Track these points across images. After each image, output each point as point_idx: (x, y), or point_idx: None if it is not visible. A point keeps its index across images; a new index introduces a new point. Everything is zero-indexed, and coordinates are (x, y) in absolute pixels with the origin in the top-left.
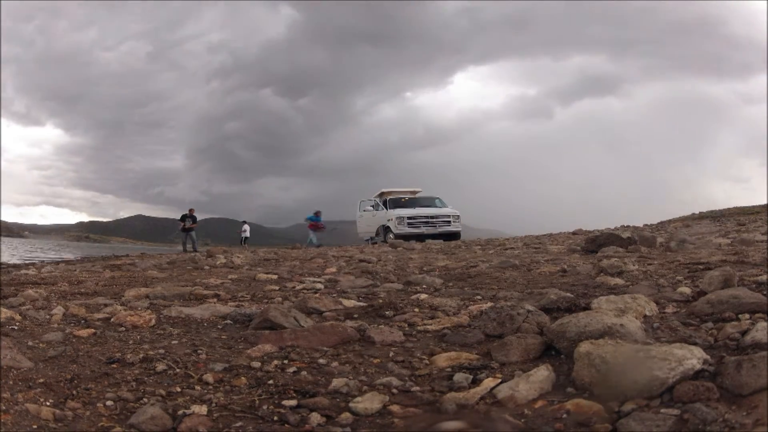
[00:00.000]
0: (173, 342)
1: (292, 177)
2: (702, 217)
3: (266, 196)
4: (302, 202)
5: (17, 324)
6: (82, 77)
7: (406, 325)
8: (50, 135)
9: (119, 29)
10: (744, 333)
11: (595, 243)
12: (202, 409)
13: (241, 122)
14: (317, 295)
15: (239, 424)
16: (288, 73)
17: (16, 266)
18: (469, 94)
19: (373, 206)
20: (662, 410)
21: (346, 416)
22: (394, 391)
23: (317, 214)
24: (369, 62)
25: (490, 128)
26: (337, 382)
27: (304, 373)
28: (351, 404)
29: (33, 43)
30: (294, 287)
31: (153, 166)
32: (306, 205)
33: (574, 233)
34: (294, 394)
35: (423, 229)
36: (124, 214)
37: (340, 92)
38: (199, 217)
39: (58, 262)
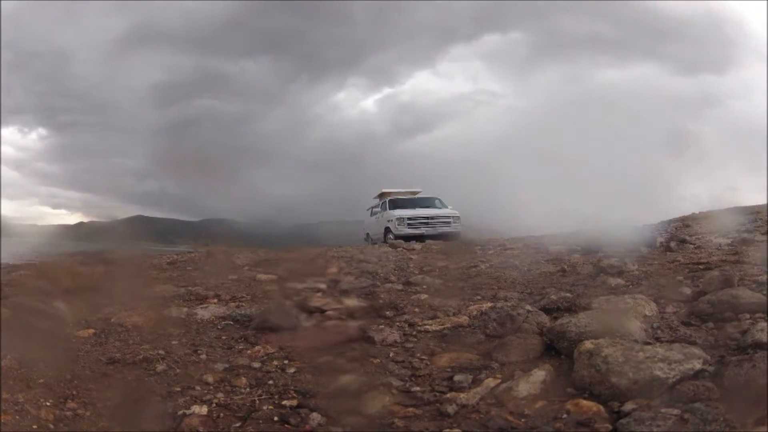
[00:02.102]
0: (173, 342)
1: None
2: (702, 217)
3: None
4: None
5: (18, 324)
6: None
7: (407, 325)
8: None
9: None
10: (744, 333)
11: (596, 243)
12: (202, 409)
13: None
14: (318, 295)
15: (239, 424)
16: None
17: (15, 266)
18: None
19: (379, 208)
20: (662, 410)
21: (346, 416)
22: (395, 391)
23: None
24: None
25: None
26: (337, 383)
27: (304, 373)
28: (351, 404)
29: None
30: (294, 287)
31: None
32: (300, 203)
33: (574, 233)
34: (294, 394)
35: (423, 230)
36: (120, 214)
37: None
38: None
39: (57, 263)
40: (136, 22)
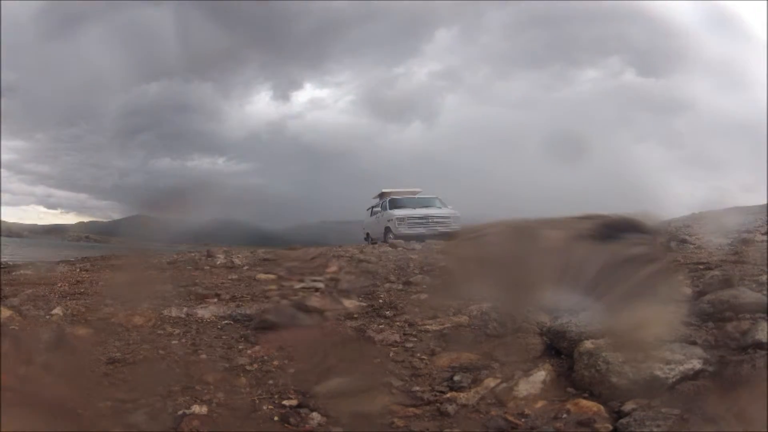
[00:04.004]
0: (173, 342)
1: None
2: (702, 217)
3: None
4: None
5: (17, 324)
6: None
7: (407, 325)
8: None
9: None
10: (744, 333)
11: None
12: (202, 409)
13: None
14: (317, 295)
15: (239, 424)
16: None
17: (15, 266)
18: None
19: (379, 208)
20: (663, 410)
21: (346, 416)
22: (395, 391)
23: None
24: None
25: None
26: (337, 382)
27: (304, 373)
28: (351, 404)
29: None
30: (294, 287)
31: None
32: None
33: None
34: (294, 394)
35: (423, 230)
36: (116, 215)
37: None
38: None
39: (57, 262)
40: None
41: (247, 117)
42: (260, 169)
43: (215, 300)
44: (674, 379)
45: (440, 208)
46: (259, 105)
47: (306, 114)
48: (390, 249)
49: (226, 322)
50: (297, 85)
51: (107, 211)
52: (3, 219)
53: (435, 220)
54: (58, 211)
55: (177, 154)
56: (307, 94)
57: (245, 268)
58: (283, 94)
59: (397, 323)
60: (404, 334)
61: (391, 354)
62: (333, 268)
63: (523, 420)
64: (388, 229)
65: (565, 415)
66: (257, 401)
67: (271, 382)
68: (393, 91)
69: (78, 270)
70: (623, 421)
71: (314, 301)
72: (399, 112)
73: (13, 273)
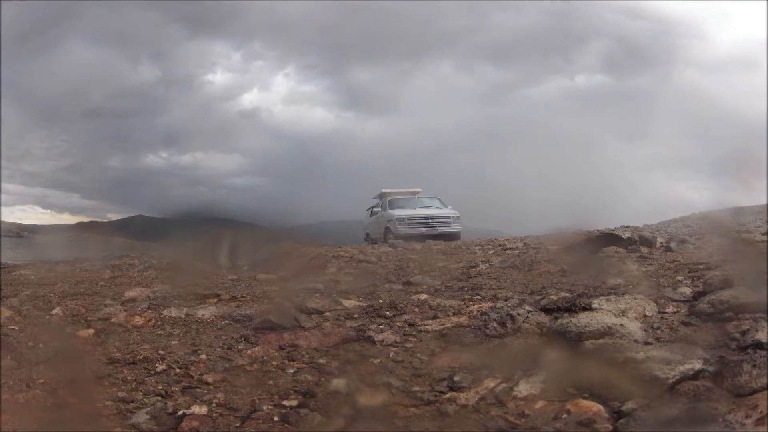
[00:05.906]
0: (173, 342)
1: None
2: (701, 217)
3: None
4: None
5: (17, 324)
6: None
7: (407, 326)
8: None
9: None
10: (744, 333)
11: (596, 243)
12: (202, 409)
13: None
14: (317, 295)
15: (239, 424)
16: None
17: (15, 266)
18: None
19: (379, 208)
20: (663, 410)
21: (346, 416)
22: (395, 391)
23: None
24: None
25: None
26: (337, 383)
27: (304, 373)
28: (351, 404)
29: None
30: (294, 287)
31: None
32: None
33: (574, 233)
34: (294, 395)
35: (423, 230)
36: (113, 215)
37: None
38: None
39: (57, 263)
40: None
41: (232, 111)
42: (258, 169)
43: (215, 300)
44: (674, 379)
45: (440, 208)
46: (247, 100)
47: (289, 109)
48: (390, 249)
49: (226, 322)
50: (278, 77)
51: (98, 211)
52: (3, 219)
53: (435, 220)
54: (52, 211)
55: (167, 150)
56: (287, 86)
57: (245, 268)
58: (264, 86)
59: (397, 323)
60: (404, 335)
61: (391, 354)
62: (333, 269)
63: (523, 420)
64: (388, 230)
65: (565, 415)
66: (257, 401)
67: (271, 382)
68: (376, 86)
69: (78, 270)
70: (623, 421)
71: (314, 301)
72: (382, 107)
73: (13, 273)
